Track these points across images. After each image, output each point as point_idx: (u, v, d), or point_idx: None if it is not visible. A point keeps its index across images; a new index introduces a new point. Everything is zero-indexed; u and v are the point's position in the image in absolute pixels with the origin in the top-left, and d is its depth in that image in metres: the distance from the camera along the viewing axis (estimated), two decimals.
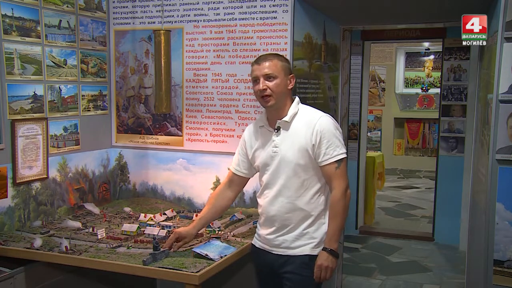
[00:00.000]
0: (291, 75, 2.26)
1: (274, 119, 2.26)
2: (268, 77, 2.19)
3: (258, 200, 2.35)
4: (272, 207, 2.26)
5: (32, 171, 2.77)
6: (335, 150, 2.16)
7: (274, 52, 2.37)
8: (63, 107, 2.98)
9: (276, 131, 2.25)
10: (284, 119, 2.22)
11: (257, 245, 2.38)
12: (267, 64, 2.19)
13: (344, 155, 2.19)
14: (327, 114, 2.25)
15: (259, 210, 2.35)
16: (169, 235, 2.55)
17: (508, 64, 2.39)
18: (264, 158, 2.28)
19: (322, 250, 2.18)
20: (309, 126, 2.18)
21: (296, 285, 2.23)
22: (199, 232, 2.51)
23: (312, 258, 2.20)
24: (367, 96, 6.16)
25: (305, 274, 2.21)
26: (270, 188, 2.27)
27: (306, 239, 2.22)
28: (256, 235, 2.42)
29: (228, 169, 2.52)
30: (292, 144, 2.19)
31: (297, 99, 2.29)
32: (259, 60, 2.23)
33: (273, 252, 2.29)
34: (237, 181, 2.47)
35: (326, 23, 3.53)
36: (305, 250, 2.22)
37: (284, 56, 2.36)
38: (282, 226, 2.25)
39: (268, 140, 2.28)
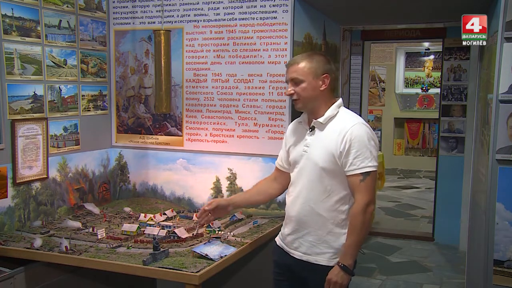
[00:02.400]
0: (324, 75, 2.13)
1: (311, 118, 2.20)
2: (295, 81, 2.14)
3: (286, 196, 2.30)
4: (293, 207, 2.21)
5: (32, 171, 2.77)
6: (363, 162, 2.03)
7: (309, 52, 2.24)
8: (63, 107, 2.98)
9: (310, 130, 2.19)
10: (318, 120, 2.15)
11: (277, 243, 2.33)
12: (294, 67, 2.14)
13: (373, 169, 2.05)
14: (365, 123, 2.12)
15: (285, 207, 2.31)
16: (169, 235, 2.56)
17: (508, 64, 2.39)
18: (295, 155, 2.23)
19: (336, 264, 2.07)
20: (341, 132, 2.07)
21: None
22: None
23: (328, 269, 2.11)
24: (367, 96, 6.15)
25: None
26: (294, 186, 2.22)
27: (323, 248, 2.13)
28: (280, 232, 2.36)
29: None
30: (321, 147, 2.12)
31: (339, 101, 2.19)
32: (288, 63, 2.18)
33: (291, 254, 2.22)
34: (282, 176, 2.38)
35: (326, 23, 3.53)
36: (321, 259, 2.13)
37: (321, 54, 2.23)
38: (299, 229, 2.18)
39: (302, 137, 2.22)
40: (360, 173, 2.04)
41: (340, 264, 2.07)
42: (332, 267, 2.09)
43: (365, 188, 2.04)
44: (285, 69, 2.88)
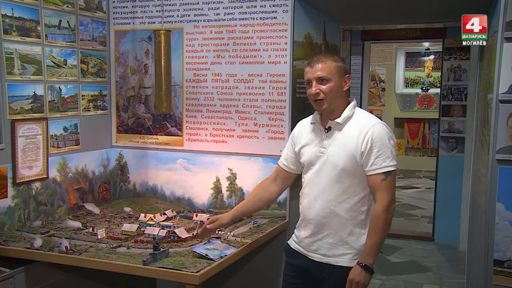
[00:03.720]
0: (347, 76, 2.14)
1: (326, 119, 2.16)
2: (321, 80, 2.09)
3: (300, 198, 2.28)
4: (310, 210, 2.18)
5: (32, 171, 2.77)
6: (384, 161, 2.04)
7: (328, 53, 2.21)
8: (63, 107, 2.98)
9: (326, 131, 2.16)
10: (336, 120, 2.12)
11: (292, 246, 2.29)
12: (320, 66, 2.10)
13: (393, 168, 2.06)
14: (383, 122, 2.12)
15: (300, 209, 2.28)
16: (169, 235, 2.56)
17: (508, 64, 2.39)
18: (309, 156, 2.19)
19: (357, 264, 2.05)
20: (362, 132, 2.06)
21: None
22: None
23: (349, 269, 2.09)
24: (367, 96, 6.16)
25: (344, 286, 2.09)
26: (311, 188, 2.19)
27: (344, 249, 2.12)
28: (293, 235, 2.33)
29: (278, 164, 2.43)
30: (341, 147, 2.09)
31: (354, 102, 2.17)
32: (311, 62, 2.13)
33: (309, 257, 2.20)
34: (284, 176, 2.37)
35: (326, 23, 3.53)
36: (342, 260, 2.12)
37: (338, 55, 2.23)
38: (318, 231, 2.16)
39: (317, 138, 2.19)
40: (382, 172, 2.05)
41: (361, 263, 2.05)
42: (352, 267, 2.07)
43: (387, 187, 2.06)
44: (285, 69, 2.93)
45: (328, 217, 2.13)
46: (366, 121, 2.10)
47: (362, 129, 2.07)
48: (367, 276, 2.04)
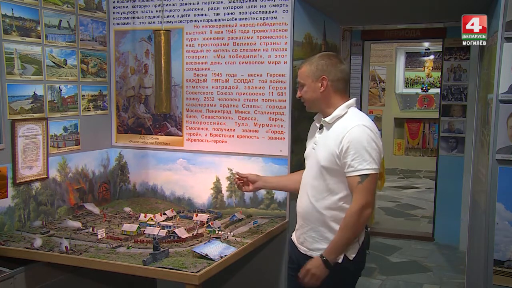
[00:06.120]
0: (322, 77, 2.17)
1: (321, 117, 2.26)
2: (299, 85, 2.25)
3: None
4: (299, 202, 2.31)
5: (32, 171, 2.77)
6: (360, 164, 2.03)
7: (318, 55, 2.24)
8: (63, 107, 2.98)
9: (319, 129, 2.26)
10: (325, 119, 2.20)
11: (292, 237, 2.40)
12: (298, 72, 2.25)
13: (371, 171, 2.03)
14: (368, 125, 2.10)
15: None
16: (169, 235, 2.56)
17: (508, 64, 2.39)
18: (307, 151, 2.33)
19: (319, 256, 2.10)
20: (341, 133, 2.09)
21: None
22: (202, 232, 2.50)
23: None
24: (367, 96, 6.16)
25: (327, 280, 2.13)
26: (303, 182, 2.31)
27: (325, 244, 2.15)
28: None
29: None
30: (325, 145, 2.16)
31: (348, 102, 2.19)
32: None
33: (298, 248, 2.29)
34: None
35: (326, 23, 3.53)
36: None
37: (326, 56, 2.23)
38: (303, 224, 2.25)
39: (314, 134, 2.31)
40: (358, 175, 2.04)
41: (323, 257, 2.09)
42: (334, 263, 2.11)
43: (362, 190, 2.04)
44: (285, 69, 2.94)
45: (311, 212, 2.20)
46: (348, 123, 2.12)
47: (342, 130, 2.10)
48: (324, 270, 2.09)
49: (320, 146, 2.19)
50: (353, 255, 2.14)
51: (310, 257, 2.17)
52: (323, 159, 2.13)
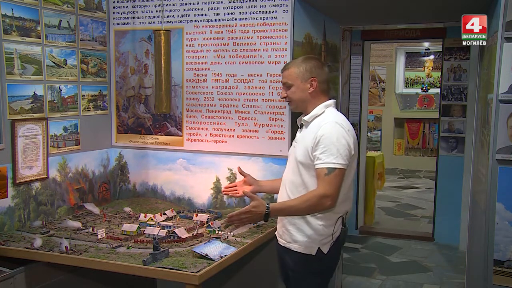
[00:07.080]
0: (311, 78, 2.27)
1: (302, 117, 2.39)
2: (286, 86, 2.33)
3: None
4: (279, 197, 2.41)
5: (32, 171, 2.77)
6: (328, 157, 2.12)
7: (302, 57, 2.36)
8: (63, 107, 2.98)
9: (299, 127, 2.38)
10: (304, 118, 2.32)
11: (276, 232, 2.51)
12: (284, 73, 2.33)
13: (338, 166, 2.11)
14: (341, 123, 2.20)
15: None
16: (169, 235, 2.56)
17: (508, 64, 2.39)
18: (290, 149, 2.45)
19: (266, 205, 2.18)
20: (315, 129, 2.21)
21: (293, 281, 2.35)
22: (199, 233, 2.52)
23: (305, 256, 2.25)
24: (367, 96, 6.15)
25: (301, 271, 2.29)
26: (283, 178, 2.41)
27: (299, 236, 2.25)
28: None
29: None
30: (302, 142, 2.27)
31: (327, 102, 2.31)
32: (282, 69, 2.37)
33: (278, 241, 2.40)
34: None
35: (326, 23, 3.53)
36: (298, 246, 2.26)
37: (312, 58, 2.36)
38: (282, 217, 2.35)
39: (296, 133, 2.43)
40: (325, 167, 2.13)
41: (267, 207, 2.18)
42: (306, 254, 2.23)
43: (327, 181, 2.13)
44: None
45: None
46: (322, 120, 2.23)
47: (317, 127, 2.22)
48: (259, 217, 2.20)
49: (299, 143, 2.30)
50: (327, 250, 2.24)
51: (289, 249, 2.29)
52: (299, 154, 2.25)
